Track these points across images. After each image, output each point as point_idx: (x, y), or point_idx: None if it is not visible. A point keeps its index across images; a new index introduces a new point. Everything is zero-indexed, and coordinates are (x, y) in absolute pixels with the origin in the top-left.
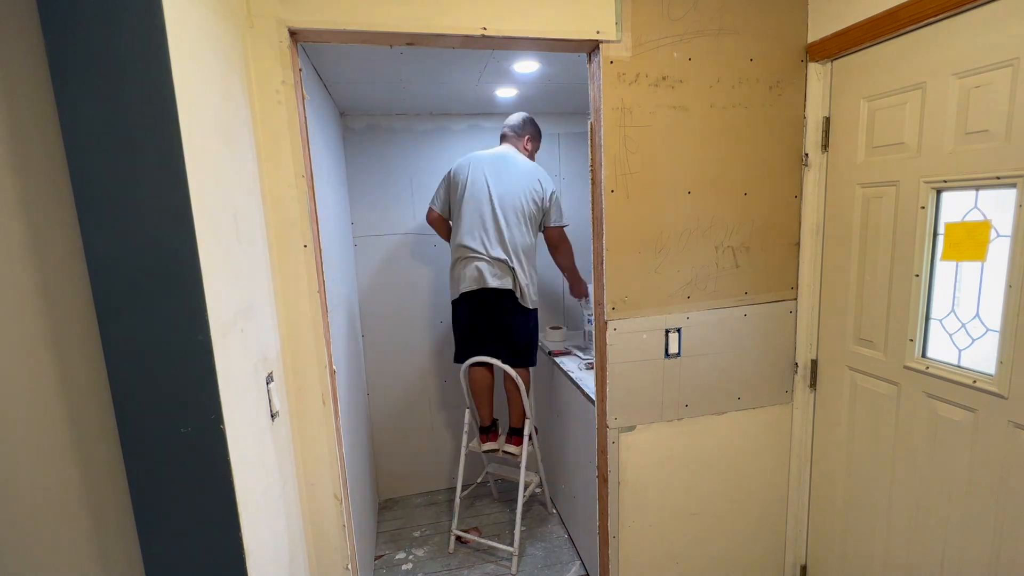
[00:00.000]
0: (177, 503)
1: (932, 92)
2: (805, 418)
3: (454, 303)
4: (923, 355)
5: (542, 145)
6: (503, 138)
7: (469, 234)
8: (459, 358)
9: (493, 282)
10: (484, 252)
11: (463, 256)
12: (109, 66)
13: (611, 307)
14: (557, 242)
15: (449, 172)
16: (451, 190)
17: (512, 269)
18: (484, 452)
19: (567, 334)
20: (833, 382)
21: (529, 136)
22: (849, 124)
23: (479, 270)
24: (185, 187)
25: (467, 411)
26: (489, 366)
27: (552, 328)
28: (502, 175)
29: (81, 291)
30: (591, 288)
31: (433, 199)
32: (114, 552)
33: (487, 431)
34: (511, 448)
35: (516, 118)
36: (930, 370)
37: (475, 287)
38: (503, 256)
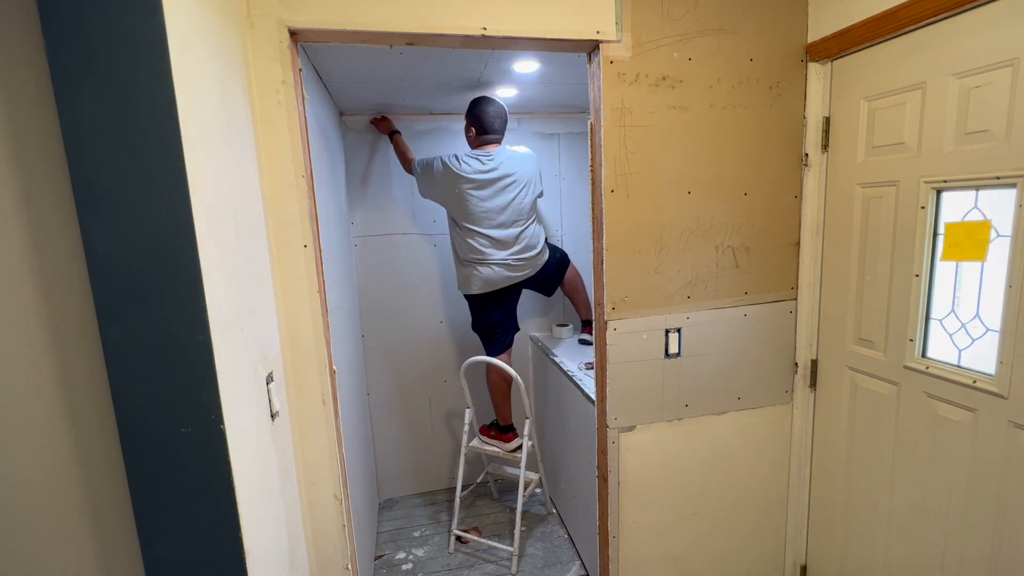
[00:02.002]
0: (177, 503)
1: (932, 92)
2: (805, 418)
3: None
4: (923, 355)
5: (543, 145)
6: (487, 143)
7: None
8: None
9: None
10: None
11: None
12: (109, 66)
13: (611, 307)
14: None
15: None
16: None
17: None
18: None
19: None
20: (833, 382)
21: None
22: (849, 124)
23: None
24: (185, 187)
25: (467, 411)
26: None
27: (559, 326)
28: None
29: (81, 291)
30: (591, 293)
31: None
32: (114, 552)
33: (507, 430)
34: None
35: (495, 120)
36: (930, 370)
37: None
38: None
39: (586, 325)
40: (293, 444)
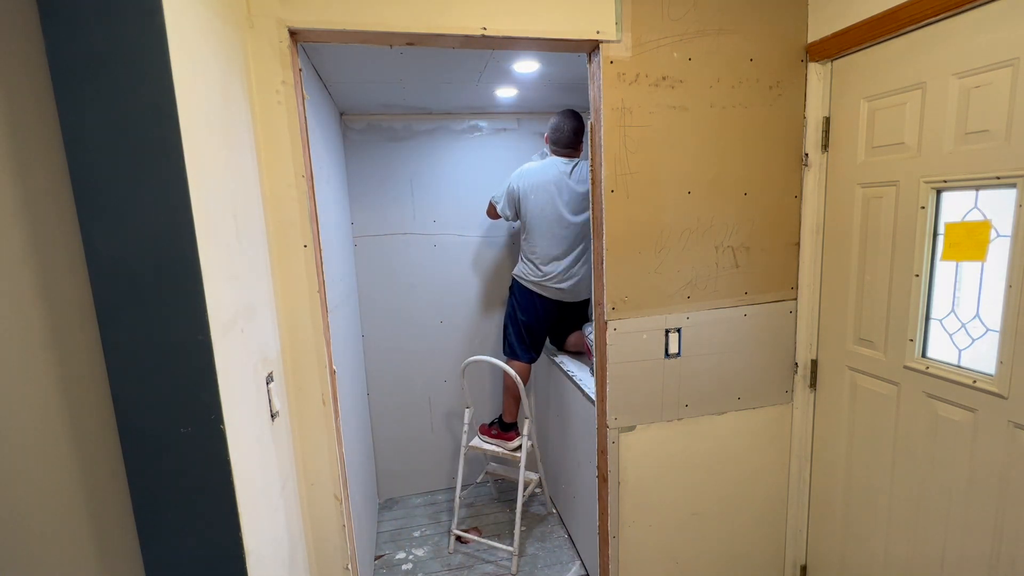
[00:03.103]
0: (177, 503)
1: (932, 92)
2: (805, 418)
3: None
4: (923, 355)
5: (543, 144)
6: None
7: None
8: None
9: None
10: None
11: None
12: (109, 66)
13: (611, 307)
14: None
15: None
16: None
17: None
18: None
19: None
20: (833, 382)
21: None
22: (849, 124)
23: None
24: (185, 187)
25: (467, 411)
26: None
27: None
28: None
29: (81, 291)
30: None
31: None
32: (114, 552)
33: (510, 428)
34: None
35: (561, 134)
36: (930, 370)
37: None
38: None
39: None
40: (293, 444)
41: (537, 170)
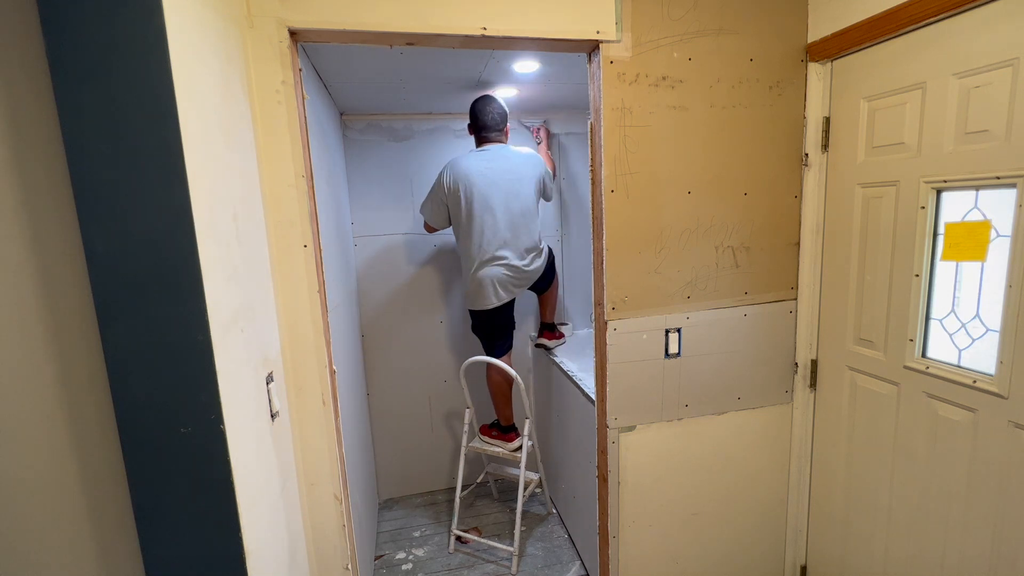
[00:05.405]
0: (177, 503)
1: (932, 92)
2: (805, 418)
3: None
4: (923, 355)
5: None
6: (486, 140)
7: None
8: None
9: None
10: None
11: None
12: (109, 66)
13: (611, 307)
14: None
15: (443, 185)
16: (451, 204)
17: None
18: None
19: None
20: (833, 382)
21: (507, 125)
22: (849, 124)
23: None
24: (185, 187)
25: (467, 411)
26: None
27: (559, 324)
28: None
29: (81, 291)
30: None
31: (425, 211)
32: (114, 552)
33: (510, 429)
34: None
35: (493, 116)
36: (930, 370)
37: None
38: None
39: (545, 329)
40: (293, 444)
41: (468, 160)
